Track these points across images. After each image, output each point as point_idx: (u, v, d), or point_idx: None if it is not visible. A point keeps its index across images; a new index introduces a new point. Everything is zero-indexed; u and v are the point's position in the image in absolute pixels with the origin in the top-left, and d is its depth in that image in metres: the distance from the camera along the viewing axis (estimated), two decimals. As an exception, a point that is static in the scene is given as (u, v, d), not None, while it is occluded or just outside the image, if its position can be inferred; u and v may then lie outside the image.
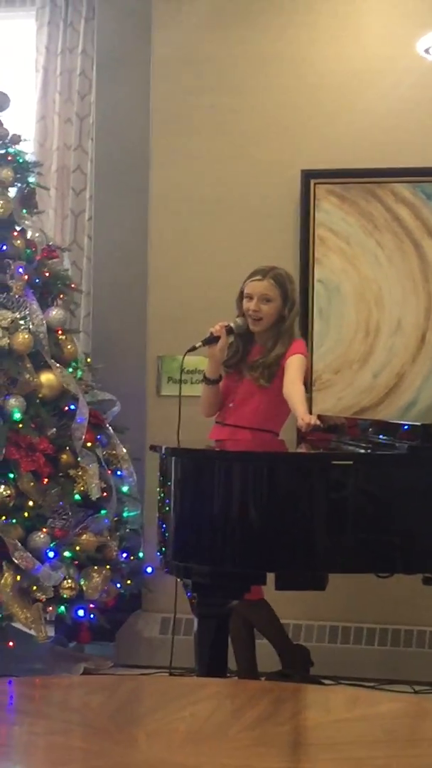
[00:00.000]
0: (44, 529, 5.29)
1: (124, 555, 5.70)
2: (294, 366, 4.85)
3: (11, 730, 2.47)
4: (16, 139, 5.85)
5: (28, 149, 6.03)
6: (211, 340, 4.93)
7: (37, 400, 5.48)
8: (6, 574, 5.15)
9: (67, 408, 5.56)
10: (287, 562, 3.99)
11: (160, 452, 4.28)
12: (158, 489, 4.34)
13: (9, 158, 5.78)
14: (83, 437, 5.51)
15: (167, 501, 4.11)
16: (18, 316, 5.49)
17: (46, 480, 5.38)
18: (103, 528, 5.53)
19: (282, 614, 5.13)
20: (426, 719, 2.56)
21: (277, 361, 4.91)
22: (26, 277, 5.58)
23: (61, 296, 5.84)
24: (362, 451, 4.28)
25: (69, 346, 5.75)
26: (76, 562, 5.39)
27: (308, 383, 5.43)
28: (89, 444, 5.56)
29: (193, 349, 4.93)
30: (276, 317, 4.97)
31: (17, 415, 5.32)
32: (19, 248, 5.64)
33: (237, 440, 4.91)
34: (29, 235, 5.76)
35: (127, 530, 5.82)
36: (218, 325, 4.95)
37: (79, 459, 5.51)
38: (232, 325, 4.96)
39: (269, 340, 4.98)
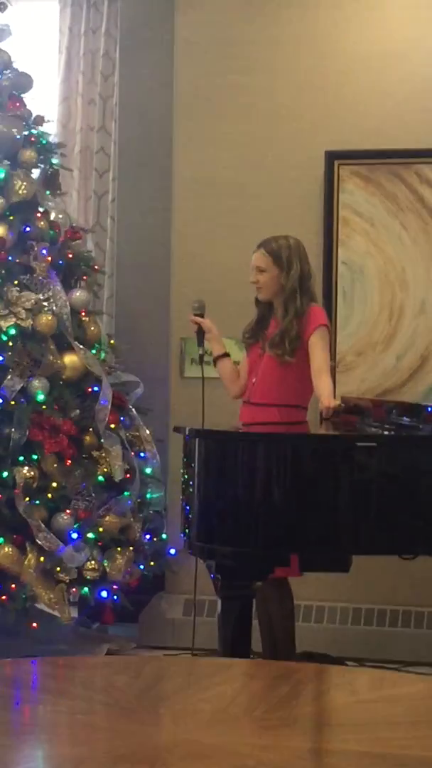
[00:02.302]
0: (68, 511, 5.31)
1: (148, 536, 5.71)
2: (318, 350, 4.77)
3: (35, 710, 2.47)
4: (40, 121, 5.85)
5: (51, 130, 6.03)
6: (200, 334, 5.03)
7: (61, 382, 5.49)
8: (30, 556, 5.17)
9: (90, 389, 5.57)
10: (311, 543, 3.99)
11: (184, 434, 4.28)
12: (182, 470, 4.34)
13: (32, 139, 5.78)
14: (106, 419, 5.52)
15: (191, 482, 4.11)
16: (41, 297, 5.49)
17: (69, 461, 5.39)
18: (126, 509, 5.54)
19: (306, 596, 5.14)
20: (451, 701, 2.55)
21: (297, 333, 4.84)
22: (49, 258, 5.58)
23: (85, 278, 5.84)
24: (386, 432, 4.27)
25: (92, 328, 5.76)
26: (100, 544, 5.40)
27: (332, 353, 5.32)
28: (112, 425, 5.57)
29: (202, 357, 5.00)
30: (276, 286, 4.92)
31: (41, 397, 5.33)
32: (42, 230, 5.64)
33: (264, 424, 4.86)
34: (52, 216, 5.75)
35: (151, 512, 5.82)
36: (189, 318, 5.08)
37: (102, 440, 5.52)
38: (192, 311, 5.07)
39: (280, 311, 4.94)
